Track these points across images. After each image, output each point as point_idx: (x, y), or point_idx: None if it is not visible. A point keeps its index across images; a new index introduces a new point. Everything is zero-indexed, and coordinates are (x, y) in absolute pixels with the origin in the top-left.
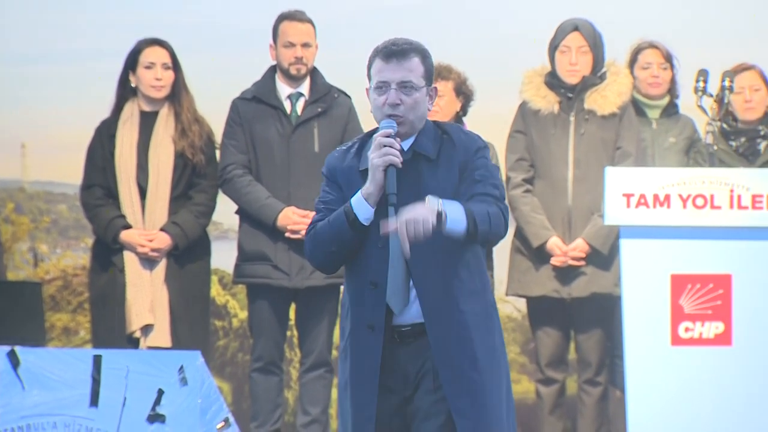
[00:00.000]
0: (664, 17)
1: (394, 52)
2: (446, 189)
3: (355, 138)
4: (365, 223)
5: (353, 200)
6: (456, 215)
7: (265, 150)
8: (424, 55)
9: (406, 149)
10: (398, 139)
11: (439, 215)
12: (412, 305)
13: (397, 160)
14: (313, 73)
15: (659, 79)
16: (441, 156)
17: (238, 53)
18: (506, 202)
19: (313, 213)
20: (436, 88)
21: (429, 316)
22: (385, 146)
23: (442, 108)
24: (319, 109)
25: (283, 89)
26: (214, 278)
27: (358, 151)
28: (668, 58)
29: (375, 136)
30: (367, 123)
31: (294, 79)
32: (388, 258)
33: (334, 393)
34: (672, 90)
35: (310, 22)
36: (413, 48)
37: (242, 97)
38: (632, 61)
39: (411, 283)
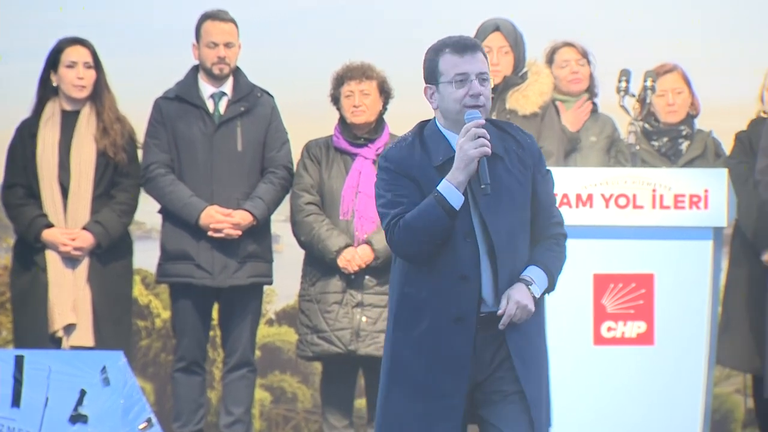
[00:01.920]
0: (584, 17)
1: (467, 45)
2: (524, 192)
3: (408, 133)
4: (458, 208)
5: (443, 190)
6: (542, 288)
7: (188, 149)
8: (483, 51)
9: None
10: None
11: (535, 299)
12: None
13: (489, 151)
14: (236, 72)
15: (579, 74)
16: (510, 154)
17: (159, 52)
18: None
19: (239, 211)
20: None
21: None
22: (479, 137)
23: (369, 106)
24: (242, 109)
25: (206, 88)
26: (137, 278)
27: (423, 146)
28: (584, 55)
29: (467, 125)
30: (290, 122)
31: (217, 79)
32: (478, 252)
33: (258, 393)
34: (591, 87)
35: (232, 21)
36: (479, 43)
37: (165, 97)
38: (549, 62)
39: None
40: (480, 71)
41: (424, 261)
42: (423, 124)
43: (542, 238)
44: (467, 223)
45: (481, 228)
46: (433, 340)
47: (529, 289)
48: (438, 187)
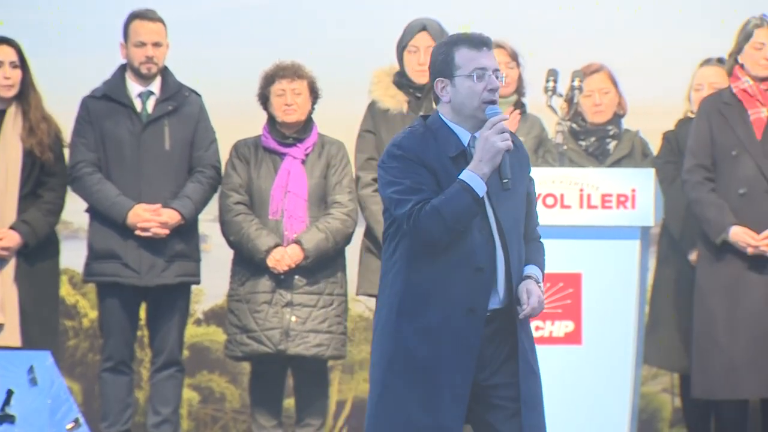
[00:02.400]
0: (513, 16)
1: (483, 41)
2: (522, 190)
3: (415, 125)
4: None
5: (468, 179)
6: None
7: (116, 148)
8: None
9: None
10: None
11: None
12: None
13: (512, 145)
14: (164, 71)
15: (507, 78)
16: (510, 153)
17: (86, 52)
18: None
19: (166, 210)
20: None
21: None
22: (504, 131)
23: (300, 106)
24: (170, 108)
25: (134, 87)
26: (64, 278)
27: (435, 137)
28: (514, 57)
29: (492, 119)
30: (217, 121)
31: (144, 78)
32: (494, 245)
33: (186, 393)
34: (519, 88)
35: (161, 21)
36: (491, 39)
37: (92, 96)
38: None
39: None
40: (496, 67)
41: (442, 248)
42: (425, 118)
43: (531, 239)
44: (482, 217)
45: (494, 222)
46: (444, 330)
47: (539, 287)
48: (461, 177)
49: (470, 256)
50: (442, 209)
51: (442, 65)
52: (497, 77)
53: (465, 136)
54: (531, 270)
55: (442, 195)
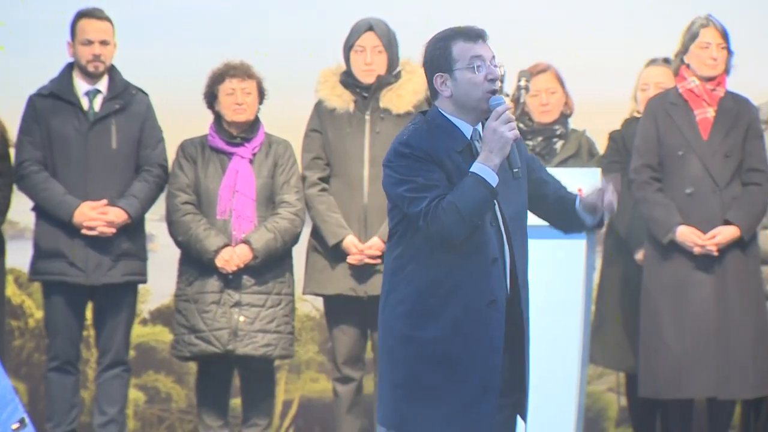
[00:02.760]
0: (459, 15)
1: (478, 33)
2: (525, 178)
3: (417, 122)
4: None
5: (480, 171)
6: None
7: (62, 146)
8: None
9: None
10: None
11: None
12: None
13: (519, 134)
14: (111, 70)
15: None
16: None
17: (30, 51)
18: None
19: (113, 208)
20: None
21: (524, 294)
22: (511, 121)
23: (250, 105)
24: (117, 106)
25: (81, 86)
26: (10, 278)
27: (440, 133)
28: None
29: (497, 109)
30: (165, 120)
31: (92, 77)
32: (502, 235)
33: (132, 393)
34: None
35: (108, 19)
36: (485, 31)
37: (39, 94)
38: None
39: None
40: (492, 56)
41: (461, 243)
42: (424, 113)
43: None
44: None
45: (501, 214)
46: (470, 323)
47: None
48: (474, 170)
49: (485, 248)
50: (459, 204)
51: (440, 60)
52: (495, 66)
53: (467, 130)
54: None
55: (456, 190)
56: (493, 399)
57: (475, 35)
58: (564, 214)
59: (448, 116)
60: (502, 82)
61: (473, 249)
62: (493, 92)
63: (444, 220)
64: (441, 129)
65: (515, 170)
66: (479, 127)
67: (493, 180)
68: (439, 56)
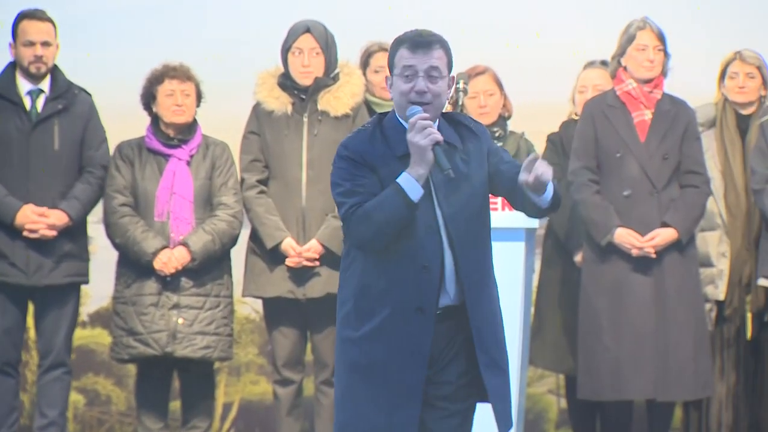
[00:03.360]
0: (395, 17)
1: (420, 42)
2: (481, 178)
3: (367, 124)
4: (416, 200)
5: (402, 182)
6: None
7: (3, 147)
8: (446, 47)
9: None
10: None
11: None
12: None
13: (441, 137)
14: (54, 70)
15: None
16: (466, 145)
17: None
18: None
19: (55, 211)
20: (453, 77)
21: (471, 301)
22: (425, 128)
23: (189, 107)
24: (60, 106)
25: (24, 85)
26: None
27: (383, 137)
28: None
29: (411, 120)
30: (110, 120)
31: (34, 77)
32: (441, 243)
33: (71, 396)
34: None
35: (50, 20)
36: (437, 39)
37: None
38: (364, 65)
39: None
40: (430, 66)
41: (380, 250)
42: (382, 116)
43: None
44: (430, 215)
45: (443, 220)
46: (394, 328)
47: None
48: (398, 179)
49: (416, 255)
50: (373, 213)
51: (389, 62)
52: (432, 78)
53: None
54: None
55: (376, 198)
56: (414, 407)
57: (415, 45)
58: (522, 199)
59: (399, 119)
60: (463, 93)
61: (403, 255)
62: (419, 103)
63: (357, 229)
64: (388, 132)
65: (446, 171)
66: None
67: (413, 191)
68: (390, 58)
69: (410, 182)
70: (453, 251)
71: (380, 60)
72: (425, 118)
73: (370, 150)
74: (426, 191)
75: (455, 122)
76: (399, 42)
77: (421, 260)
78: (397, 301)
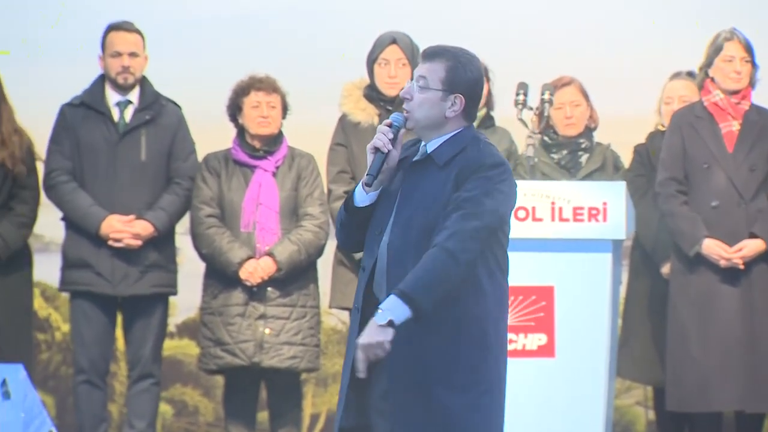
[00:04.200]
0: (484, 29)
1: (425, 53)
2: (438, 198)
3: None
4: (359, 205)
5: (358, 187)
6: (398, 314)
7: (91, 157)
8: (453, 63)
9: (429, 150)
10: (402, 131)
11: (391, 324)
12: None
13: (381, 143)
14: (143, 81)
15: None
16: (452, 165)
17: (60, 65)
18: (492, 216)
19: (140, 221)
20: (461, 97)
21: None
22: (380, 132)
23: (275, 119)
24: (147, 117)
25: (112, 96)
26: (37, 291)
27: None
28: (484, 72)
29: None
30: (197, 132)
31: (122, 88)
32: (380, 247)
33: (161, 406)
34: (488, 101)
35: (138, 32)
36: (444, 53)
37: (70, 103)
38: None
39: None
40: (419, 75)
41: (353, 249)
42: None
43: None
44: (384, 222)
45: (390, 227)
46: (350, 328)
47: (376, 318)
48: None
49: (364, 256)
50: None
51: None
52: (419, 87)
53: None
54: (388, 300)
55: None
56: (342, 406)
57: (422, 55)
58: None
59: None
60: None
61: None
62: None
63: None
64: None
65: (366, 174)
66: (428, 144)
67: (359, 196)
68: None
69: (359, 187)
70: (388, 256)
71: None
72: (389, 125)
73: (404, 153)
74: (392, 199)
75: (469, 145)
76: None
77: (364, 262)
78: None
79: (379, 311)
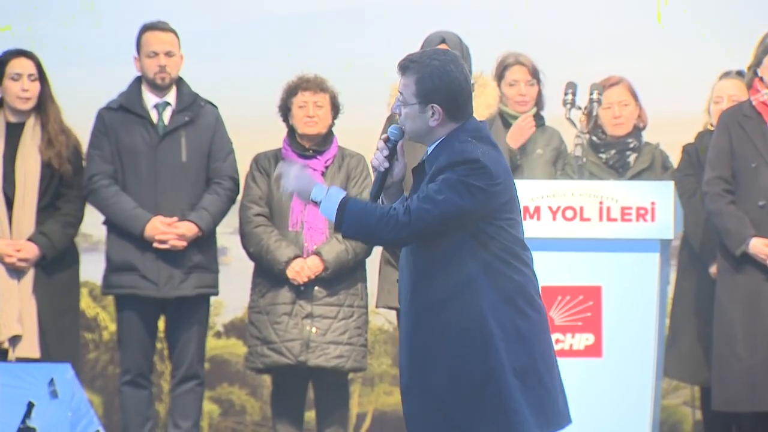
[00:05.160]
0: (532, 29)
1: (399, 66)
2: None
3: None
4: None
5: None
6: (329, 208)
7: (132, 160)
8: (422, 74)
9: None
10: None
11: (313, 201)
12: None
13: (377, 162)
14: (179, 82)
15: (526, 97)
16: (430, 163)
17: (106, 64)
18: (425, 216)
19: (184, 222)
20: (437, 106)
21: (402, 306)
22: (376, 150)
23: (322, 118)
24: (186, 118)
25: (150, 98)
26: (84, 290)
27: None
28: (534, 74)
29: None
30: (234, 132)
31: (159, 89)
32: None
33: (206, 406)
34: (538, 102)
35: (173, 31)
36: (411, 66)
37: (108, 107)
38: (499, 77)
39: None
40: (400, 91)
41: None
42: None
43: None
44: None
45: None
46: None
47: (315, 188)
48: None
49: None
50: None
51: None
52: (402, 103)
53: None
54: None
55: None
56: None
57: (398, 68)
58: None
59: None
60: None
61: None
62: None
63: None
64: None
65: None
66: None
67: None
68: None
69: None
70: (400, 260)
71: (515, 73)
72: (386, 140)
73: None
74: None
75: (445, 147)
76: None
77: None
78: None
79: (323, 194)
